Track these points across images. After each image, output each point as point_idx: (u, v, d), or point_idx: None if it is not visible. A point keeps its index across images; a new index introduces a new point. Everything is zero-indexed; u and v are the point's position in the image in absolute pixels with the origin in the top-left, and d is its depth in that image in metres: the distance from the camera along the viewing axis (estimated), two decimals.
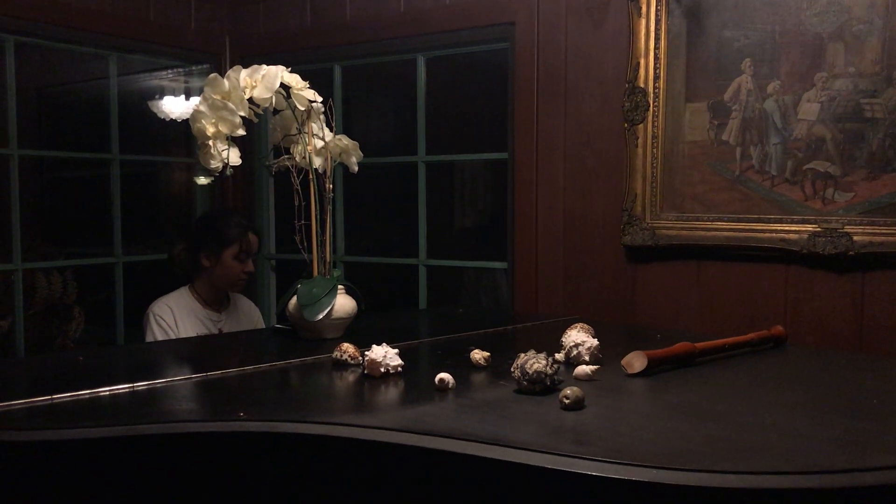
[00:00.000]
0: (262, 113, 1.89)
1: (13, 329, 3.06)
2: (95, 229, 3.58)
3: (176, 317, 2.65)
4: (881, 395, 1.44)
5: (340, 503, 1.22)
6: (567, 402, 1.28)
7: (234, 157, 1.83)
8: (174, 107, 4.05)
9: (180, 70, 3.74)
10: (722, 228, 2.47)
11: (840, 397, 1.45)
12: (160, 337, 2.61)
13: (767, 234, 2.40)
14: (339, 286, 1.96)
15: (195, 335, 2.63)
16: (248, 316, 2.87)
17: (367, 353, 1.55)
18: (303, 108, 1.91)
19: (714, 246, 2.48)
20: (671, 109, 2.53)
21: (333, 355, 1.66)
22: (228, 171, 1.83)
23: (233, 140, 1.83)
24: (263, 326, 2.93)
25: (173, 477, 1.27)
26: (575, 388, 1.30)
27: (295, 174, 1.96)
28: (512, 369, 1.41)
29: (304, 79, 1.91)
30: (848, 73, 2.28)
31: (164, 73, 3.80)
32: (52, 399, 1.37)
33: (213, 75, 1.81)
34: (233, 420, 1.25)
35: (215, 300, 2.75)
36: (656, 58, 2.53)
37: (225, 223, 2.74)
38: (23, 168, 3.01)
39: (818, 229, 2.32)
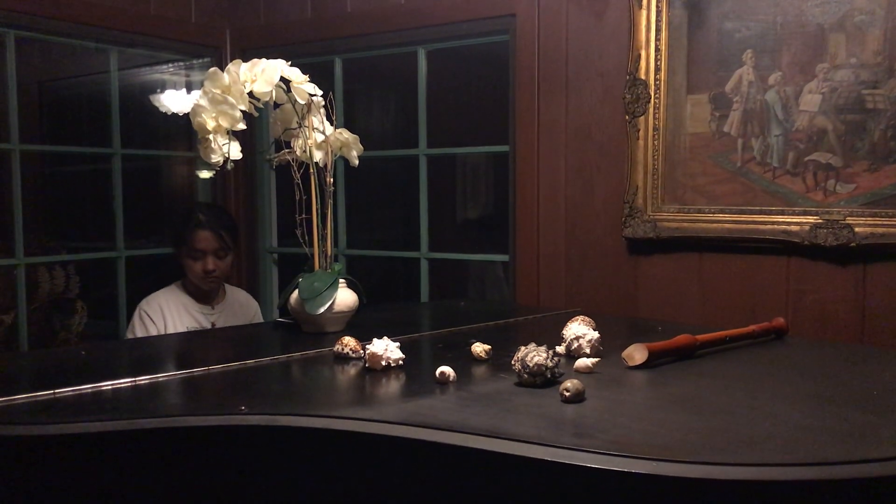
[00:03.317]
0: (262, 107, 1.89)
1: (16, 323, 3.06)
2: (97, 223, 3.58)
3: (164, 312, 2.65)
4: (882, 386, 1.45)
5: (341, 496, 1.23)
6: (567, 394, 1.28)
7: (235, 151, 1.84)
8: (175, 101, 4.03)
9: (181, 64, 3.73)
10: (723, 220, 2.46)
11: (841, 389, 1.45)
12: (140, 334, 2.61)
13: (769, 226, 2.39)
14: (341, 280, 1.97)
15: (186, 329, 2.63)
16: (245, 309, 2.86)
17: (368, 346, 1.55)
18: (303, 102, 1.91)
19: (715, 238, 2.48)
20: (672, 101, 2.53)
21: (335, 349, 1.66)
22: (229, 166, 1.84)
23: (233, 134, 1.83)
24: (261, 320, 2.92)
25: (176, 471, 1.27)
26: (575, 381, 1.30)
27: (296, 168, 1.96)
28: (513, 362, 1.41)
29: (304, 72, 1.91)
30: (849, 63, 2.27)
31: (165, 66, 3.79)
32: (54, 393, 1.38)
33: (213, 69, 1.82)
34: (235, 414, 1.25)
35: (205, 294, 2.74)
36: (657, 49, 2.53)
37: (181, 221, 2.70)
38: (24, 163, 3.00)
39: (820, 221, 2.32)
